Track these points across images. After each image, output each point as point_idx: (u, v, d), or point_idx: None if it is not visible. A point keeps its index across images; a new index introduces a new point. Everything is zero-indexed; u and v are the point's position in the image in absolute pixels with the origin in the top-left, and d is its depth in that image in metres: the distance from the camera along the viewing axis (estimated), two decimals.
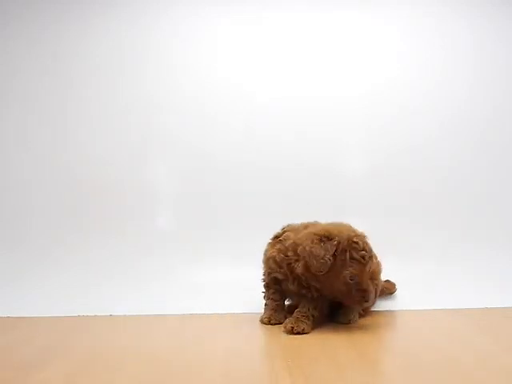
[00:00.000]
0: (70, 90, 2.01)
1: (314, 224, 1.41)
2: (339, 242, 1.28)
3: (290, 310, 1.46)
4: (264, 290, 1.48)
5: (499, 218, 1.98)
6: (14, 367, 1.06)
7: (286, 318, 1.38)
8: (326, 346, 1.18)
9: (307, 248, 1.28)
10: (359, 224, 1.53)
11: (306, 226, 1.40)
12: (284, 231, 1.44)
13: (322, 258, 1.26)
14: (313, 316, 1.35)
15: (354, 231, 1.33)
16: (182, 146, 1.99)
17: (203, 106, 2.00)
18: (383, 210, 1.94)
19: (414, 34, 2.04)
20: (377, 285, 1.45)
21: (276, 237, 1.45)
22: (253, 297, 1.49)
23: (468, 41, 2.04)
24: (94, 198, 1.96)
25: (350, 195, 1.97)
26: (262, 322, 1.41)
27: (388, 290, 1.64)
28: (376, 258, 1.53)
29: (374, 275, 1.46)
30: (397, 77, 2.02)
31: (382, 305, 1.58)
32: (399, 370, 1.04)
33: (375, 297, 1.43)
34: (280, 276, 1.40)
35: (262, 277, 1.48)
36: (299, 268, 1.33)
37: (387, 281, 1.64)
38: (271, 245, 1.45)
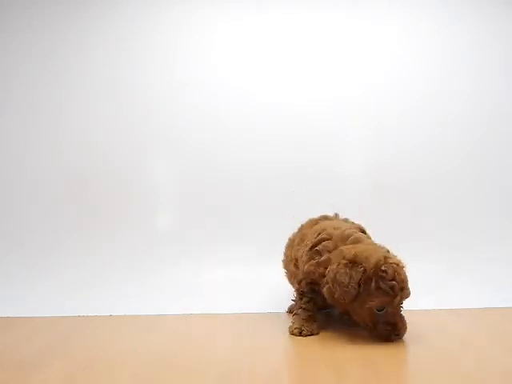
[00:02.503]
0: (69, 91, 2.00)
1: (349, 236, 1.27)
2: (365, 270, 1.15)
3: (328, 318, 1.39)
4: (295, 298, 1.38)
5: (499, 217, 1.98)
6: (14, 367, 1.06)
7: (318, 329, 1.28)
8: (325, 346, 1.18)
9: (332, 273, 1.18)
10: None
11: (342, 238, 1.26)
12: (321, 239, 1.28)
13: (346, 286, 1.15)
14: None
15: (386, 257, 1.18)
16: (183, 146, 1.99)
17: (204, 105, 2.00)
18: (383, 210, 1.94)
19: (414, 34, 2.04)
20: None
21: (313, 246, 1.29)
22: (253, 297, 1.49)
23: (468, 41, 2.04)
24: (94, 197, 1.96)
25: (351, 195, 1.97)
26: (291, 333, 1.28)
27: None
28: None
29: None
30: (397, 77, 2.02)
31: None
32: (398, 369, 1.04)
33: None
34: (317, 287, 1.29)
35: (296, 285, 1.36)
36: (325, 291, 1.22)
37: None
38: (309, 256, 1.29)
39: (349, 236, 1.27)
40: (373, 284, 1.15)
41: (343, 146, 2.01)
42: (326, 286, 1.21)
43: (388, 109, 2.01)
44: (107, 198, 1.96)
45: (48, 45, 2.01)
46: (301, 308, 1.32)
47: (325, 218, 1.48)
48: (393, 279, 1.15)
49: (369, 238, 1.38)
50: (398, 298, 1.16)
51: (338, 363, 1.05)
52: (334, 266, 1.19)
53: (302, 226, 1.54)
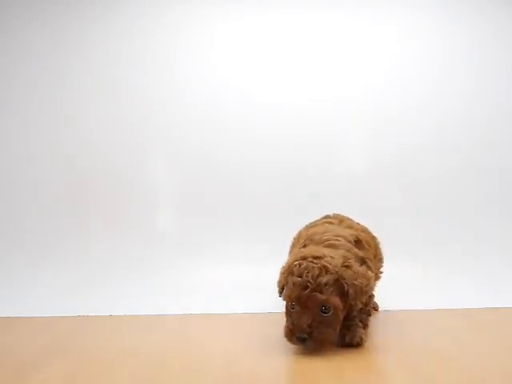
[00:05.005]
0: (69, 91, 2.00)
1: (325, 241, 1.22)
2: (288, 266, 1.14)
3: None
4: None
5: (499, 217, 1.98)
6: (14, 367, 1.06)
7: None
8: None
9: (357, 283, 1.10)
10: None
11: (317, 244, 1.22)
12: (302, 245, 1.26)
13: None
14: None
15: (315, 256, 1.10)
16: (183, 146, 1.99)
17: (204, 105, 2.00)
18: (383, 210, 1.94)
19: (414, 34, 2.04)
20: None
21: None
22: (253, 297, 1.49)
23: (468, 41, 2.04)
24: (93, 197, 1.96)
25: (351, 195, 1.97)
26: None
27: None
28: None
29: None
30: (397, 77, 2.02)
31: (381, 304, 1.57)
32: (399, 369, 1.04)
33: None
34: None
35: None
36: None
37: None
38: None
39: (324, 241, 1.22)
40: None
41: (343, 145, 2.01)
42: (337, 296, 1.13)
43: (388, 109, 2.01)
44: (107, 198, 1.96)
45: (48, 45, 2.01)
46: None
47: (325, 217, 1.46)
48: (299, 276, 1.07)
49: (368, 243, 1.34)
50: (303, 295, 1.06)
51: (339, 365, 1.05)
52: (353, 277, 1.12)
53: (302, 230, 1.52)
